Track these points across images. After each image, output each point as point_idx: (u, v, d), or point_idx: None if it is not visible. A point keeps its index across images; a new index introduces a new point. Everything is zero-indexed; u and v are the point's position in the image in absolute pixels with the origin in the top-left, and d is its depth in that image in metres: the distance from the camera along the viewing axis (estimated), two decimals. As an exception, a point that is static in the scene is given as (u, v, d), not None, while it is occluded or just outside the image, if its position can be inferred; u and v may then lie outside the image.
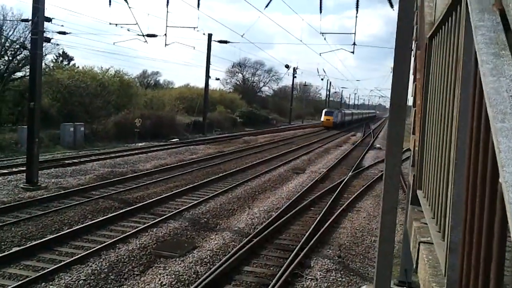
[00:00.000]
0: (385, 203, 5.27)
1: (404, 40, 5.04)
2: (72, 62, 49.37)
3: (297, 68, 74.17)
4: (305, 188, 17.78)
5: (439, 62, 2.71)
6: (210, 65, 42.63)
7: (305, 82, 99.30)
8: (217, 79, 56.70)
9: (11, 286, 7.77)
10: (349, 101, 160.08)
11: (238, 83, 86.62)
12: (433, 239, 2.28)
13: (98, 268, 8.85)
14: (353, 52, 30.32)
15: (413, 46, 5.70)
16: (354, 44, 29.87)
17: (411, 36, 5.17)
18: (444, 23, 2.52)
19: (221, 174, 19.99)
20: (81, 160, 21.99)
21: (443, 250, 2.07)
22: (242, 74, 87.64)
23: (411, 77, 7.28)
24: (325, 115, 63.60)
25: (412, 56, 5.62)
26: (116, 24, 27.34)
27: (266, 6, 24.14)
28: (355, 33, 30.04)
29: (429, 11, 3.80)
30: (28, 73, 31.36)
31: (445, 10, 2.42)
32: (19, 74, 34.49)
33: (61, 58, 48.71)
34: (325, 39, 31.82)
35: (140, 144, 30.84)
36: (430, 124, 2.93)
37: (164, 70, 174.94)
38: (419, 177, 3.40)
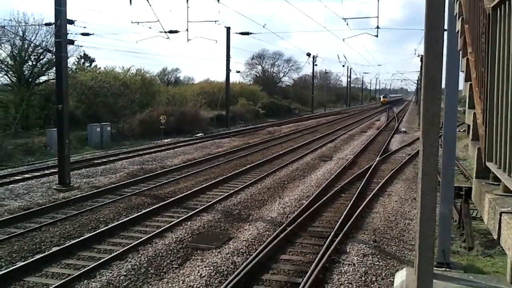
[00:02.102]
0: (424, 184, 5.20)
1: (436, 18, 4.93)
2: (93, 63, 49.89)
3: (317, 56, 73.89)
4: (334, 175, 17.71)
5: None
6: (230, 58, 42.68)
7: (325, 70, 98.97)
8: (238, 71, 56.83)
9: (55, 285, 7.95)
10: (370, 86, 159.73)
11: (257, 74, 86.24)
12: None
13: (138, 263, 8.98)
14: (377, 36, 30.36)
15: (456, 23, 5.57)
16: (377, 27, 29.79)
17: (443, 13, 5.07)
18: None
19: (248, 166, 20.03)
20: (110, 159, 22.30)
21: None
22: (261, 65, 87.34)
23: (445, 53, 7.13)
24: (382, 97, 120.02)
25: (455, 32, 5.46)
26: (138, 23, 27.45)
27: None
28: (378, 17, 30.25)
29: None
30: (52, 77, 32.00)
31: None
32: (43, 78, 35.06)
33: (82, 60, 49.25)
34: (347, 24, 31.80)
35: (166, 140, 31.13)
36: (505, 95, 2.86)
37: (183, 66, 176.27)
38: (489, 150, 3.36)
